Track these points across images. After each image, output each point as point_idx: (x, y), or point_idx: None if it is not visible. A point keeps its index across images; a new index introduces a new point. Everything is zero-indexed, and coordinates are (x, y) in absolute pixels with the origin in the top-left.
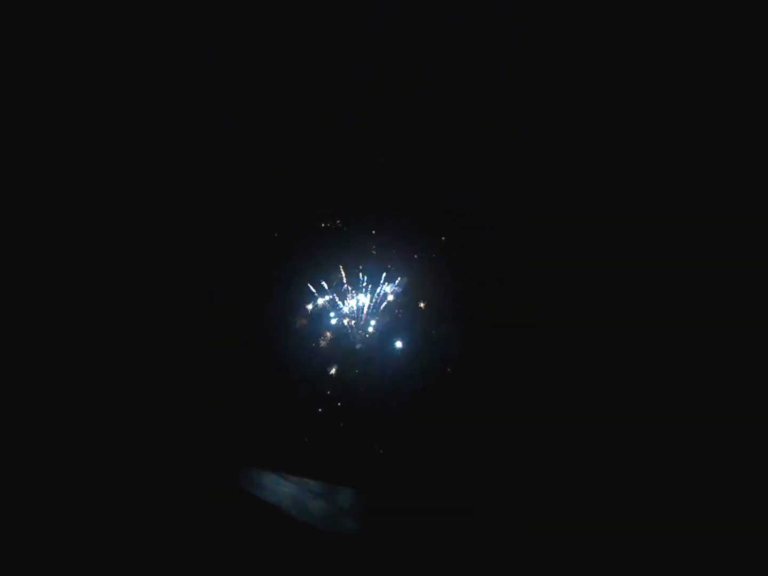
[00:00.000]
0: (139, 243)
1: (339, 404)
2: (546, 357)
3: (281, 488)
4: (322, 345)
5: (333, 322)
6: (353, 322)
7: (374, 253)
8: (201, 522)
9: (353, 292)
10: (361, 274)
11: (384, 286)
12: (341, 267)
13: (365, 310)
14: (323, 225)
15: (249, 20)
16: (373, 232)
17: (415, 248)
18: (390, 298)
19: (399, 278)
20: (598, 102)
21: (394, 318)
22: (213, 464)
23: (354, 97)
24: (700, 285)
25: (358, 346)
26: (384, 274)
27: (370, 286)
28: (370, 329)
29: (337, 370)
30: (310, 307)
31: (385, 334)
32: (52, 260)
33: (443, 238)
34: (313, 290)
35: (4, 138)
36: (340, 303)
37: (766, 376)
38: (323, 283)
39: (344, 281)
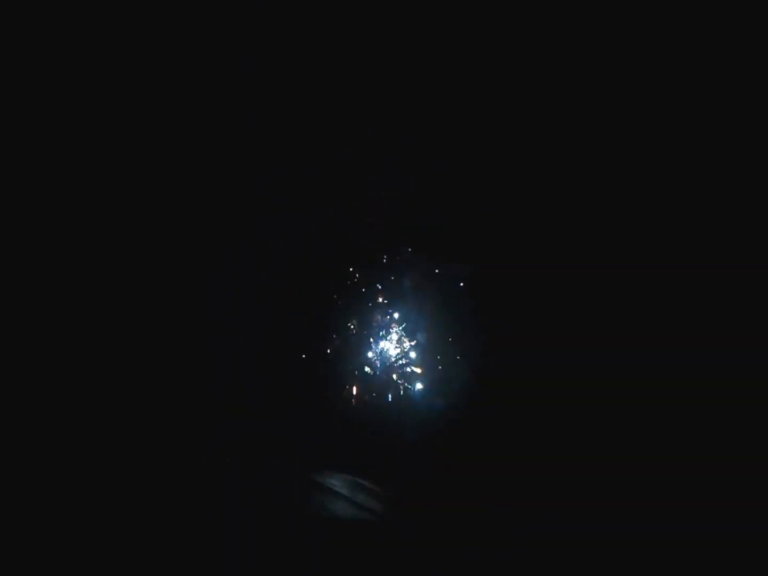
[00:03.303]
0: (140, 246)
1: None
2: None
3: (287, 477)
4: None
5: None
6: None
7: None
8: (205, 514)
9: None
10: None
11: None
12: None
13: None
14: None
15: (249, 20)
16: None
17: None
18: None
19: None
20: (597, 102)
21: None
22: (219, 455)
23: (354, 97)
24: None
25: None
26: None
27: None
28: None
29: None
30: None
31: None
32: (55, 261)
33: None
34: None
35: (10, 139)
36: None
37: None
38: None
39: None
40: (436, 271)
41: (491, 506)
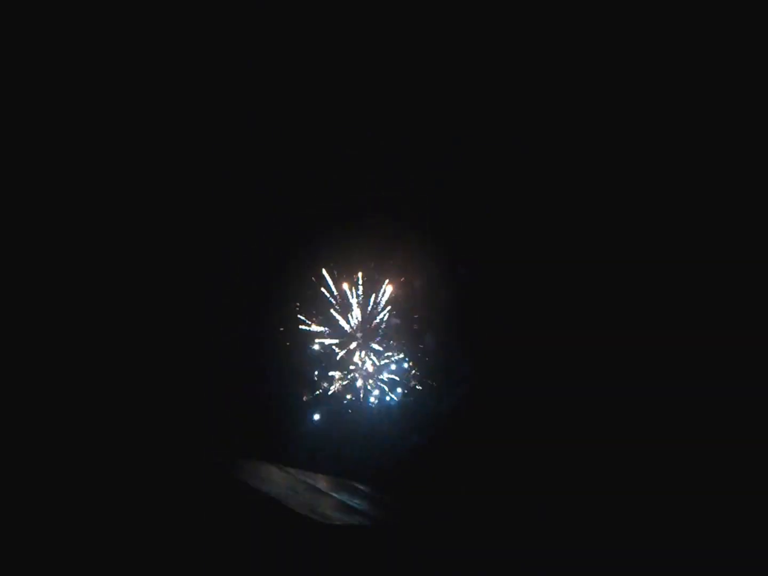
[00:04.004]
0: (140, 247)
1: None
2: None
3: (278, 479)
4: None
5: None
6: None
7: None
8: (199, 514)
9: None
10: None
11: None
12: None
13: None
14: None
15: (249, 20)
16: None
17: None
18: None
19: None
20: (597, 104)
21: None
22: (211, 456)
23: (353, 97)
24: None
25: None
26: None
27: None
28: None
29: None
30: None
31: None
32: (55, 261)
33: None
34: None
35: (11, 140)
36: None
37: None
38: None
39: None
40: (438, 271)
41: (490, 511)
